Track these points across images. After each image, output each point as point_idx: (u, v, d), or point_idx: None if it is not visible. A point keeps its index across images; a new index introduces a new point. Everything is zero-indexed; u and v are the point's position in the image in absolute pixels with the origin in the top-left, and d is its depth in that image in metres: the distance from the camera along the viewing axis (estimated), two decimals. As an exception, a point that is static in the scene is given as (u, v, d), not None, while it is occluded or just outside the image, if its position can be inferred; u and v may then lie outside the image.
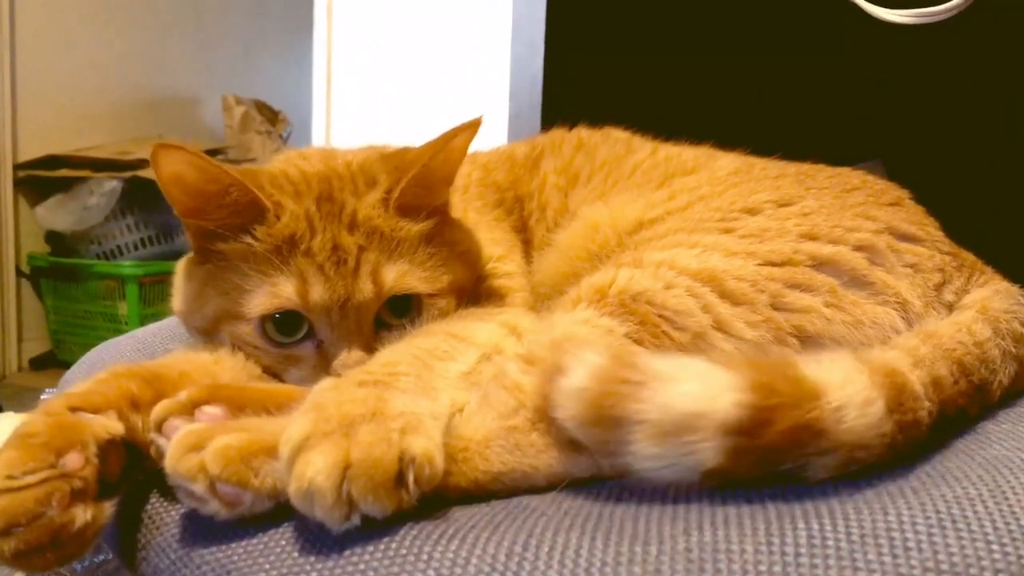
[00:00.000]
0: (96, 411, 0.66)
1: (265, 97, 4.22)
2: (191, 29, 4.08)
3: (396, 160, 0.85)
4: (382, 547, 0.54)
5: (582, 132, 1.16)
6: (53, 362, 3.40)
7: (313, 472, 0.53)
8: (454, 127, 0.81)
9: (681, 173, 1.03)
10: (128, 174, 3.13)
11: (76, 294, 3.34)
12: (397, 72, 4.40)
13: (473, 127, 0.81)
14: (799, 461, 0.57)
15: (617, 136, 1.15)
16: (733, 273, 0.76)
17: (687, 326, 0.72)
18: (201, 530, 0.61)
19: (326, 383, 0.64)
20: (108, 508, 0.62)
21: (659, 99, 1.96)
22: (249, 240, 0.78)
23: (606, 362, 0.59)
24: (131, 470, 0.67)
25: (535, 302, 0.95)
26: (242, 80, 4.25)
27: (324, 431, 0.56)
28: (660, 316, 0.73)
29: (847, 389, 0.59)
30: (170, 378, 0.74)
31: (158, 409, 0.65)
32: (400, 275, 0.80)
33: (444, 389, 0.67)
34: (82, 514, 0.59)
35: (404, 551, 0.53)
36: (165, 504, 0.66)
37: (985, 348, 0.72)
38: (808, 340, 0.74)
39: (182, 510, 0.63)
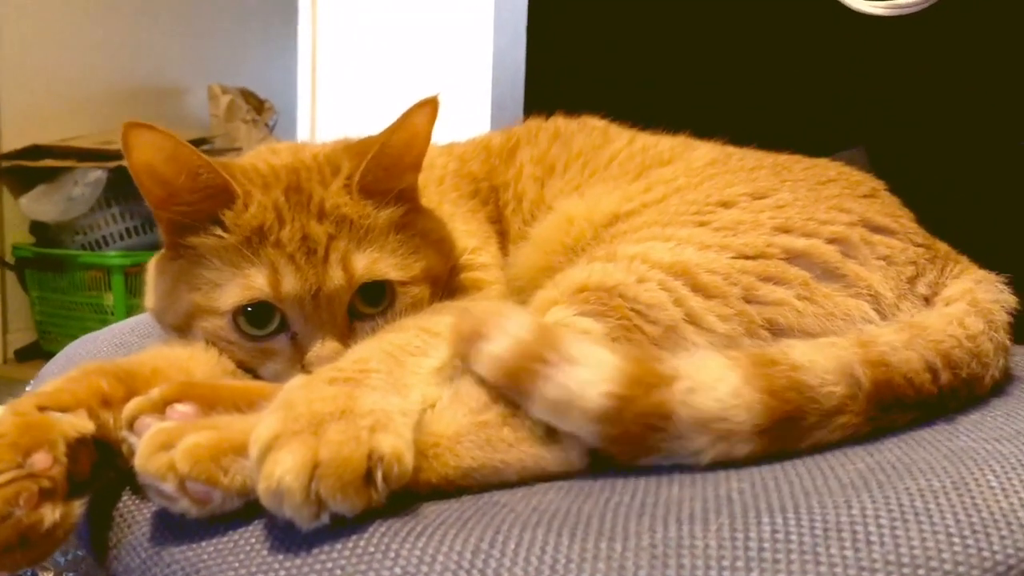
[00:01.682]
0: (65, 409, 0.66)
1: (251, 86, 4.20)
2: (176, 17, 4.04)
3: (358, 146, 0.86)
4: (351, 545, 0.54)
5: (559, 121, 1.15)
6: (38, 353, 3.38)
7: (282, 471, 0.53)
8: (411, 106, 0.81)
9: (658, 164, 1.03)
10: (113, 164, 3.10)
11: (61, 285, 3.32)
12: (381, 61, 4.40)
13: (430, 104, 0.82)
14: (663, 444, 0.61)
15: (594, 125, 1.15)
16: (706, 266, 0.76)
17: (659, 319, 0.73)
18: (171, 528, 0.61)
19: (297, 381, 0.64)
20: (78, 507, 0.62)
21: (642, 88, 1.96)
22: (220, 232, 0.79)
23: (529, 337, 0.64)
24: (102, 468, 0.67)
25: (511, 294, 0.95)
26: (228, 69, 4.22)
27: (293, 430, 0.56)
28: (632, 310, 0.73)
29: (701, 374, 0.62)
30: (143, 375, 0.74)
31: (129, 407, 0.65)
32: (371, 262, 0.81)
33: (415, 385, 0.67)
34: (51, 514, 0.59)
35: (372, 549, 0.53)
36: (136, 502, 0.66)
37: (979, 342, 0.73)
38: (780, 332, 0.74)
39: (153, 508, 0.63)
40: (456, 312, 0.72)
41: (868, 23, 1.37)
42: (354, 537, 0.54)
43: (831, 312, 0.75)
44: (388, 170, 0.83)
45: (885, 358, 0.67)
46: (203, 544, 0.58)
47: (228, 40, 4.29)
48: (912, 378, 0.68)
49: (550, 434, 0.64)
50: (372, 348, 0.70)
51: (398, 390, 0.65)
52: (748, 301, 0.75)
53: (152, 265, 0.89)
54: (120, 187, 3.20)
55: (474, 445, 0.63)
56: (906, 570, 0.47)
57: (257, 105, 4.14)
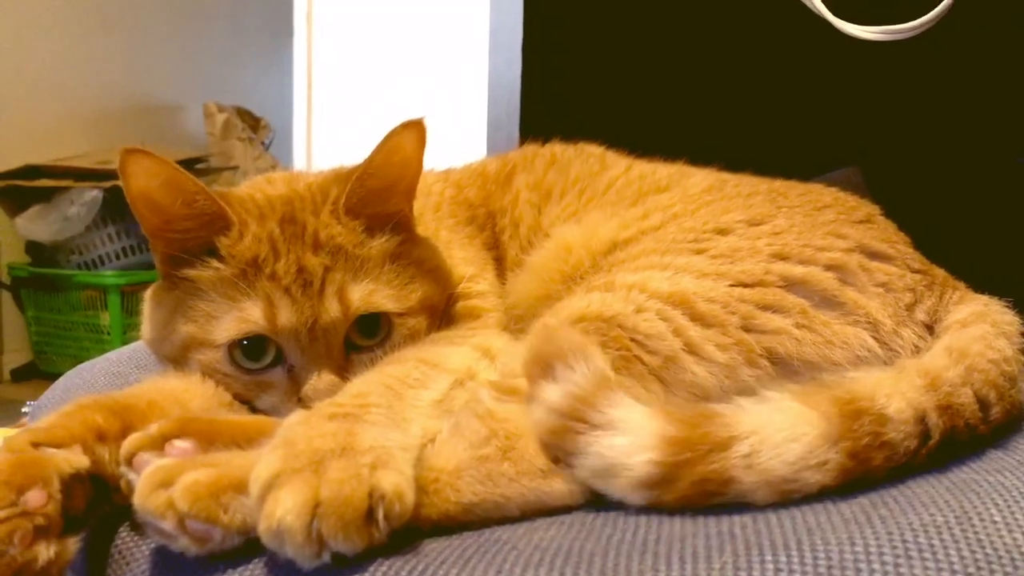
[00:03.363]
0: (60, 445, 0.65)
1: (247, 104, 4.21)
2: (172, 36, 4.06)
3: (347, 172, 0.85)
4: (352, 585, 0.53)
5: (555, 147, 1.15)
6: (35, 373, 3.37)
7: (283, 511, 0.53)
8: (394, 127, 0.81)
9: (655, 191, 1.03)
10: (109, 183, 3.11)
11: (57, 304, 3.32)
12: (377, 79, 4.41)
13: (415, 127, 0.81)
14: (718, 502, 0.60)
15: (591, 152, 1.15)
16: (704, 295, 0.76)
17: (658, 350, 0.73)
18: (170, 566, 0.61)
19: (296, 417, 0.63)
20: (73, 544, 0.61)
21: (637, 109, 1.97)
22: (216, 264, 0.79)
23: (580, 392, 0.63)
24: (98, 503, 0.67)
25: (509, 323, 0.95)
26: (224, 87, 4.23)
27: (294, 468, 0.56)
28: (632, 340, 0.73)
29: (764, 431, 0.61)
30: (138, 408, 0.74)
31: (128, 443, 0.65)
32: (367, 294, 0.80)
33: (415, 419, 0.67)
34: (45, 551, 0.59)
35: (374, 589, 0.53)
36: (134, 538, 0.66)
37: (1011, 366, 0.73)
38: (779, 362, 0.74)
39: (151, 545, 0.63)
40: (539, 331, 0.72)
41: (863, 45, 1.38)
42: (355, 576, 0.54)
43: (830, 340, 0.75)
44: (377, 193, 0.83)
45: (951, 400, 0.66)
46: (202, 583, 0.58)
47: (224, 58, 4.31)
48: (969, 419, 0.67)
49: (551, 467, 0.64)
50: (371, 381, 0.70)
51: (398, 424, 0.64)
52: (747, 330, 0.75)
53: (148, 296, 0.88)
54: (116, 206, 3.20)
55: (475, 480, 0.63)
56: (911, 610, 0.47)
57: (253, 123, 4.15)
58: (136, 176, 0.77)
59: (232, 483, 0.59)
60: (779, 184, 1.00)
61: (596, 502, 0.64)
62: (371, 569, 0.54)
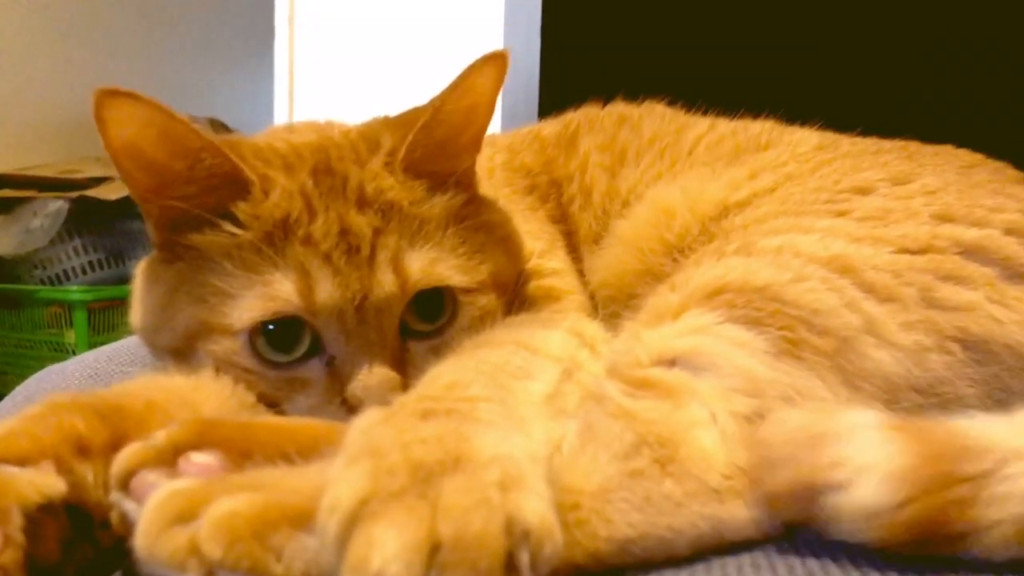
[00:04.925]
0: (24, 462, 0.45)
1: (224, 114, 4.03)
2: (143, 45, 3.91)
3: (402, 117, 0.68)
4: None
5: (620, 106, 0.99)
6: (-7, 397, 3.14)
7: (383, 559, 0.33)
8: (472, 63, 0.63)
9: (753, 149, 0.86)
10: (75, 194, 2.97)
11: (19, 322, 3.14)
12: (367, 86, 4.20)
13: (497, 60, 0.64)
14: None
15: (661, 109, 0.99)
16: (869, 262, 0.58)
17: (831, 329, 0.54)
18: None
19: (373, 416, 0.43)
20: (44, 607, 0.41)
21: (659, 94, 1.82)
22: (230, 228, 0.61)
23: (911, 460, 0.43)
24: (77, 546, 0.47)
25: (596, 306, 0.76)
26: (197, 97, 4.07)
27: (389, 490, 0.36)
28: (795, 318, 0.55)
29: None
30: (133, 410, 0.54)
31: (124, 457, 0.45)
32: (429, 263, 0.63)
33: (534, 419, 0.48)
34: (4, 620, 0.39)
35: None
36: (133, 599, 0.45)
37: None
38: (973, 346, 0.56)
39: (160, 610, 0.43)
40: (753, 458, 0.47)
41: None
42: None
43: None
44: (442, 146, 0.66)
45: None
46: (243, 669, 0.38)
47: (197, 67, 4.15)
48: None
49: (726, 485, 0.45)
50: (465, 368, 0.51)
51: (517, 426, 0.45)
52: (929, 306, 0.57)
53: (140, 271, 0.69)
54: (82, 218, 3.06)
55: (629, 506, 0.44)
56: None
57: (227, 135, 3.97)
58: (117, 124, 0.59)
59: (287, 514, 0.39)
60: (903, 143, 0.84)
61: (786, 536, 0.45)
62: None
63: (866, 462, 0.43)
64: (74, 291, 3.09)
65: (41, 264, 3.12)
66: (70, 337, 3.01)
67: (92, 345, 2.92)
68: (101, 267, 3.21)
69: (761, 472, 0.45)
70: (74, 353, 2.92)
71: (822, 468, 0.43)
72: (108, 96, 0.58)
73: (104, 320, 3.03)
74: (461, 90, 0.64)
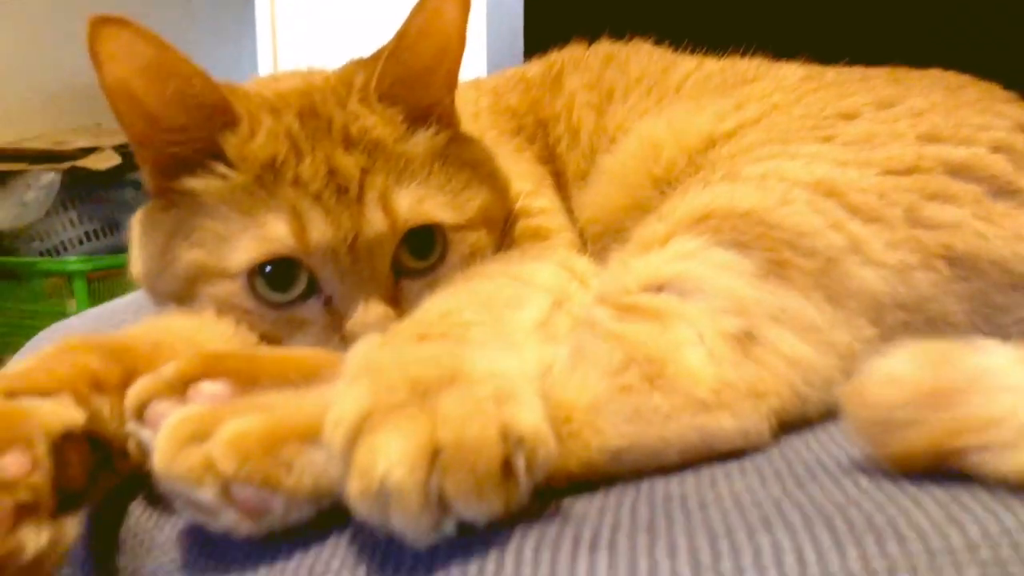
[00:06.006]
0: (45, 394, 0.47)
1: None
2: (127, 12, 3.85)
3: (374, 53, 0.69)
4: (492, 567, 0.36)
5: (606, 46, 0.98)
6: (-1, 368, 3.17)
7: (387, 464, 0.36)
8: None
9: (741, 82, 0.87)
10: (67, 165, 2.94)
11: (20, 294, 3.16)
12: (350, 46, 4.14)
13: None
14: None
15: (648, 48, 0.98)
16: (854, 184, 0.60)
17: (816, 250, 0.56)
18: (211, 552, 0.43)
19: (371, 341, 0.46)
20: (72, 526, 0.43)
21: (644, 35, 1.81)
22: (223, 170, 0.62)
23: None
24: (101, 472, 0.49)
25: (586, 242, 0.78)
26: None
27: (390, 402, 0.39)
28: (780, 240, 0.56)
29: None
30: (141, 351, 0.56)
31: (136, 389, 0.47)
32: (416, 200, 0.64)
33: (526, 343, 0.50)
34: (35, 537, 0.41)
35: (528, 571, 0.36)
36: (154, 518, 0.48)
37: None
38: (960, 263, 0.58)
39: (181, 526, 0.45)
40: (858, 421, 0.44)
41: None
42: (494, 555, 0.37)
43: (1019, 234, 0.59)
44: (415, 74, 0.66)
45: None
46: (260, 574, 0.40)
47: (181, 35, 4.08)
48: None
49: (715, 398, 0.48)
50: (458, 297, 0.53)
51: (510, 347, 0.47)
52: (914, 225, 0.58)
53: (137, 220, 0.70)
54: (76, 189, 3.05)
55: (620, 418, 0.46)
56: None
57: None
58: (113, 60, 0.59)
59: (295, 431, 0.41)
60: (889, 69, 0.84)
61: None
62: (513, 543, 0.37)
63: None
64: (72, 262, 3.11)
65: (38, 236, 3.12)
66: (71, 307, 3.04)
67: (93, 313, 2.95)
68: (97, 237, 3.21)
69: (875, 434, 0.43)
70: (76, 321, 2.96)
71: (965, 431, 0.40)
72: (101, 24, 0.58)
73: (103, 289, 3.04)
74: (424, 17, 0.64)
